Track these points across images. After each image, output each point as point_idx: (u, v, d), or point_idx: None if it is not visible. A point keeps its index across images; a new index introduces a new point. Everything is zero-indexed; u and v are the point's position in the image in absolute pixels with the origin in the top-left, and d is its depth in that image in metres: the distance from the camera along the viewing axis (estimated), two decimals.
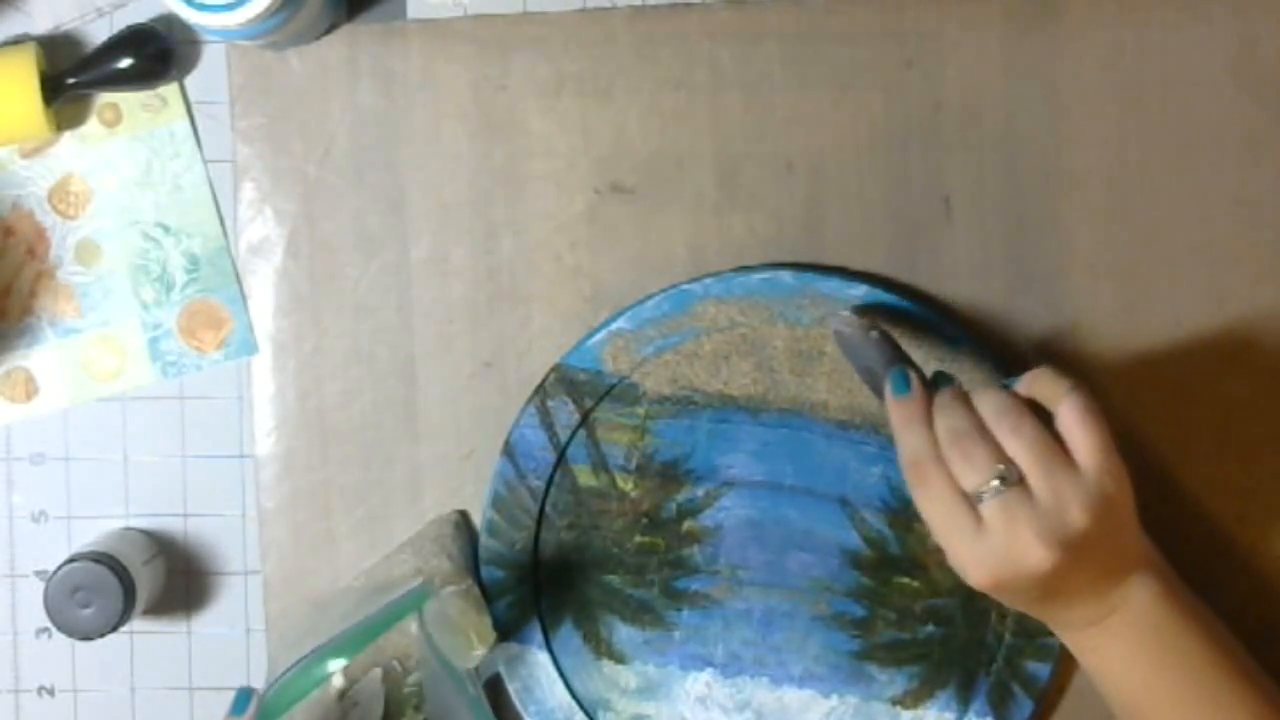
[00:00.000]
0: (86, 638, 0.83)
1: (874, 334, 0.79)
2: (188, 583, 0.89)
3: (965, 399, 0.74)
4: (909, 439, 0.73)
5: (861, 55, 0.86)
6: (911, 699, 0.87)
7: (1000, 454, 0.71)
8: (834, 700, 0.87)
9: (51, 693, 0.89)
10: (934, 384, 0.75)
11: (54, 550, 0.88)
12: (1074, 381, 0.73)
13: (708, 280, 0.85)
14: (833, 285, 0.84)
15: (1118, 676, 0.77)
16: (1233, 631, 0.81)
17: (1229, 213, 0.86)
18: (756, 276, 0.85)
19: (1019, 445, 0.72)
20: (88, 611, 0.83)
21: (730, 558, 0.87)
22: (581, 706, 0.87)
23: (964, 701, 0.87)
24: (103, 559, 0.83)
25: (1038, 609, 0.76)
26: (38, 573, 0.89)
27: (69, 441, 0.89)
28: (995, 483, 0.71)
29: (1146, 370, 0.86)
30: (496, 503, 0.87)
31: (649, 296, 0.86)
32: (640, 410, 0.86)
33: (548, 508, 0.87)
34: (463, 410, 0.88)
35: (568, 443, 0.86)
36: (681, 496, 0.87)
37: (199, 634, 0.89)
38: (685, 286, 0.85)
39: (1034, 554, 0.71)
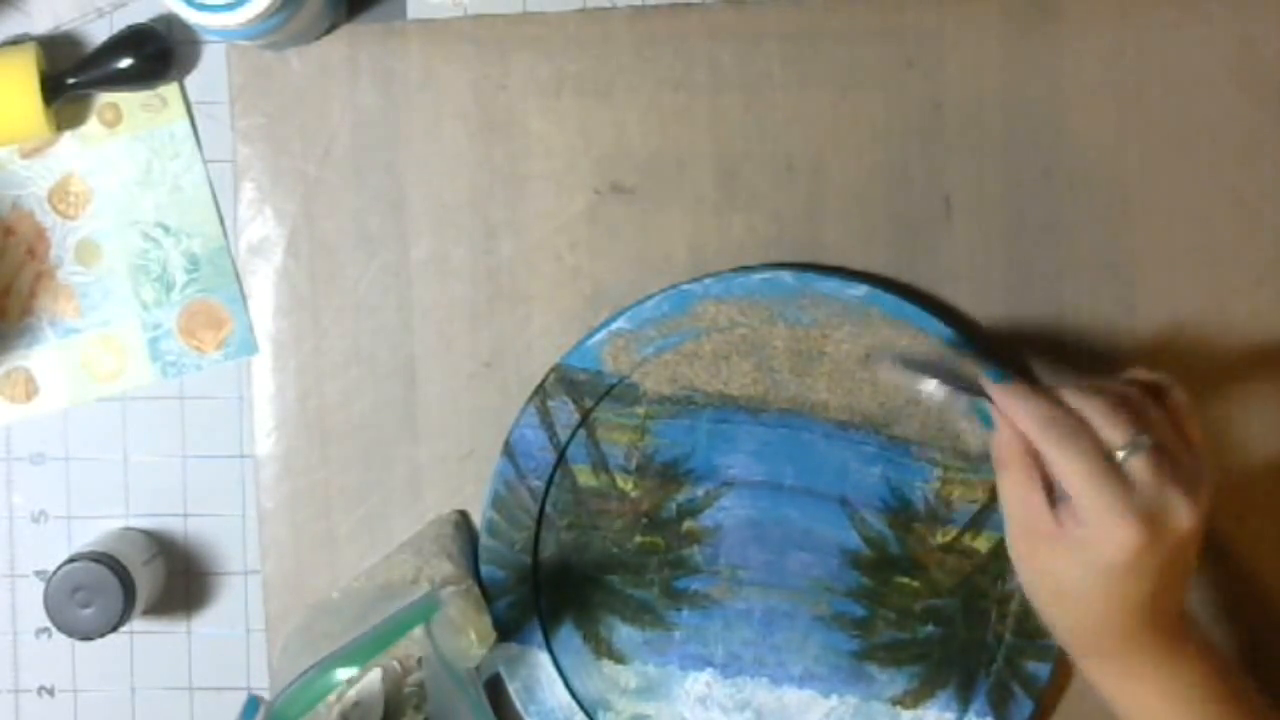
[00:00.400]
0: (86, 638, 0.83)
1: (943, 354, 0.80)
2: (188, 583, 0.89)
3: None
4: (1035, 407, 0.72)
5: (861, 55, 0.86)
6: (911, 699, 0.87)
7: (1139, 421, 0.71)
8: (834, 700, 0.87)
9: (51, 693, 0.89)
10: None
11: (54, 550, 0.88)
12: (1172, 378, 0.74)
13: (708, 280, 0.85)
14: (833, 285, 0.84)
15: (1162, 711, 0.74)
16: (1233, 632, 0.81)
17: (1229, 213, 0.86)
18: (756, 276, 0.85)
19: (1152, 417, 0.72)
20: (88, 611, 0.83)
21: (730, 558, 0.87)
22: (581, 706, 0.87)
23: (964, 701, 0.87)
24: (103, 559, 0.83)
25: (1112, 616, 0.72)
26: (38, 573, 0.89)
27: (69, 441, 0.89)
28: (1143, 438, 0.70)
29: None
30: (496, 503, 0.87)
31: (649, 296, 0.86)
32: (640, 410, 0.86)
33: (548, 508, 0.87)
34: (463, 410, 0.88)
35: (568, 443, 0.86)
36: (681, 496, 0.87)
37: (199, 634, 0.89)
38: (685, 286, 0.85)
39: (1182, 509, 0.69)
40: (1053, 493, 0.72)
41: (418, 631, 0.81)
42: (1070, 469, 0.70)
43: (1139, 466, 0.70)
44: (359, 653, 0.77)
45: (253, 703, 0.74)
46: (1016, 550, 0.74)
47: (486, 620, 0.84)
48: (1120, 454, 0.70)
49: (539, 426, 0.86)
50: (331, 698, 0.82)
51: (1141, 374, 0.75)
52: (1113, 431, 0.70)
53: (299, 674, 0.77)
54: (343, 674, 0.76)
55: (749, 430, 0.86)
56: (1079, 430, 0.70)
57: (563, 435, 0.86)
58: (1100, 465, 0.70)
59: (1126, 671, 0.74)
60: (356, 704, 0.82)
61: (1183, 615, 0.74)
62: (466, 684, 0.80)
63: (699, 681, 0.88)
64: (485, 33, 0.87)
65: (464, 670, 0.80)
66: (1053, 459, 0.71)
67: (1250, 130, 0.86)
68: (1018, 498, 0.73)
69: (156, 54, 0.86)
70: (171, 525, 0.89)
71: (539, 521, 0.87)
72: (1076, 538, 0.70)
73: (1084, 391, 0.72)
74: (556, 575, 0.87)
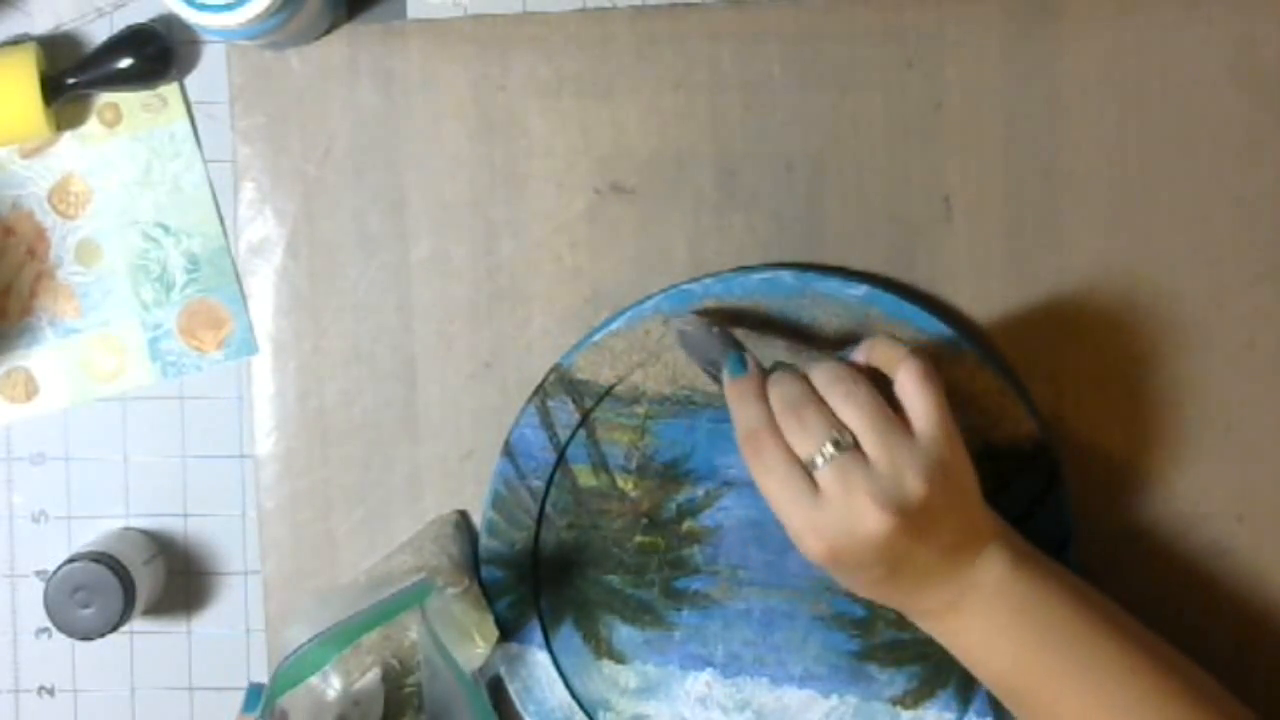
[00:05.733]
0: (86, 638, 0.83)
1: (715, 329, 0.80)
2: (188, 583, 0.89)
3: (799, 374, 0.74)
4: (743, 412, 0.74)
5: (861, 55, 0.86)
6: (911, 699, 0.87)
7: (834, 420, 0.71)
8: (834, 700, 0.87)
9: (51, 693, 0.89)
10: (773, 370, 0.77)
11: (54, 550, 0.88)
12: (911, 348, 0.74)
13: (708, 280, 0.85)
14: (833, 285, 0.84)
15: (987, 658, 0.75)
16: (1226, 631, 0.81)
17: (1229, 213, 0.86)
18: (756, 276, 0.85)
19: (852, 411, 0.71)
20: (88, 611, 0.83)
21: (730, 558, 0.87)
22: (581, 706, 0.87)
23: (964, 701, 0.87)
24: (103, 559, 0.83)
25: (888, 590, 0.74)
26: (38, 573, 0.89)
27: (69, 441, 0.89)
28: (830, 449, 0.71)
29: (1146, 370, 0.86)
30: (496, 503, 0.87)
31: (649, 296, 0.86)
32: (640, 410, 0.86)
33: (548, 508, 0.87)
34: (463, 410, 0.88)
35: (568, 443, 0.86)
36: (681, 496, 0.87)
37: (199, 634, 0.89)
38: (685, 286, 0.85)
39: (870, 519, 0.70)
40: None
41: (422, 627, 0.81)
42: (762, 484, 0.73)
43: (826, 479, 0.71)
44: (352, 631, 0.77)
45: (254, 691, 0.74)
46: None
47: (489, 620, 0.85)
48: (817, 461, 0.71)
49: (539, 426, 0.86)
50: (331, 697, 0.82)
51: (878, 347, 0.75)
52: (804, 442, 0.71)
53: (292, 651, 0.77)
54: (335, 651, 0.76)
55: None
56: (769, 442, 0.72)
57: (563, 435, 0.86)
58: (786, 479, 0.71)
59: (942, 631, 0.76)
60: (356, 703, 0.82)
61: (989, 543, 0.74)
62: (464, 673, 0.80)
63: (699, 681, 0.88)
64: (485, 33, 0.87)
65: (462, 661, 0.81)
66: (750, 470, 0.73)
67: (1250, 130, 0.86)
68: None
69: (156, 54, 0.86)
70: (171, 525, 0.89)
71: (539, 521, 0.87)
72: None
73: (789, 391, 0.73)
74: (556, 575, 0.87)
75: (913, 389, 0.72)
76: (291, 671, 0.76)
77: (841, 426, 0.71)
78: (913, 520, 0.70)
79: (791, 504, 0.71)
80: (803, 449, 0.71)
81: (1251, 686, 0.85)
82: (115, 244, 0.88)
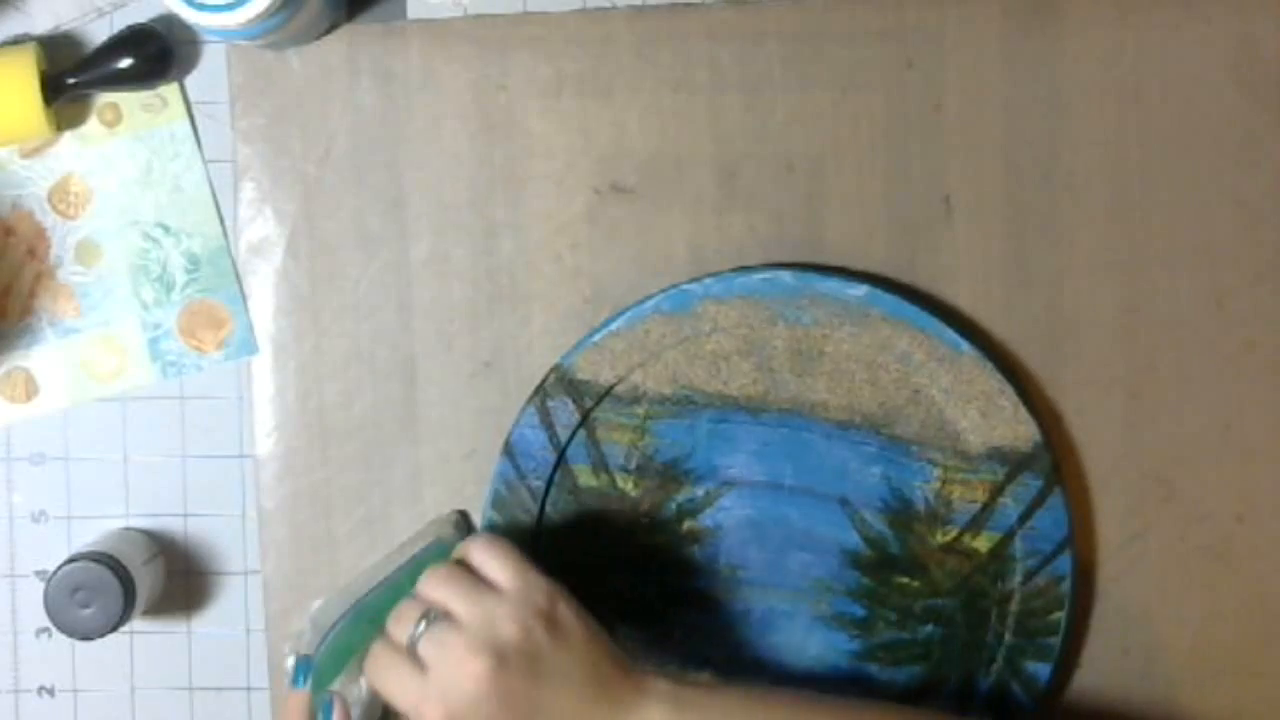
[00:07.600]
0: (86, 638, 0.83)
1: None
2: (188, 583, 0.89)
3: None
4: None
5: (861, 55, 0.86)
6: (911, 699, 0.87)
7: (426, 602, 0.74)
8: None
9: (51, 693, 0.89)
10: None
11: (54, 550, 0.88)
12: (467, 543, 0.77)
13: (708, 280, 0.85)
14: (833, 285, 0.84)
15: None
16: (1226, 631, 0.81)
17: (1229, 213, 0.86)
18: (756, 276, 0.85)
19: (438, 587, 0.74)
20: (88, 611, 0.83)
21: (730, 558, 0.87)
22: None
23: (964, 701, 0.87)
24: (103, 559, 0.83)
25: None
26: (38, 573, 0.89)
27: (69, 441, 0.89)
28: (422, 625, 0.73)
29: (1146, 370, 0.86)
30: (496, 503, 0.87)
31: (649, 296, 0.86)
32: (640, 410, 0.86)
33: (548, 508, 0.87)
34: (463, 410, 0.88)
35: (568, 443, 0.86)
36: (681, 496, 0.87)
37: (199, 634, 0.89)
38: (685, 286, 0.85)
39: (469, 666, 0.72)
40: None
41: None
42: (384, 692, 0.74)
43: (425, 650, 0.73)
44: (382, 603, 0.78)
45: (303, 664, 0.76)
46: None
47: None
48: (415, 637, 0.73)
49: (539, 426, 0.86)
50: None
51: (460, 550, 0.77)
52: (400, 629, 0.74)
53: (329, 626, 0.78)
54: (378, 615, 0.77)
55: (749, 430, 0.86)
56: (380, 649, 0.75)
57: (563, 435, 0.86)
58: (396, 670, 0.73)
59: None
60: (356, 702, 0.82)
61: (644, 700, 0.75)
62: None
63: None
64: (485, 33, 0.87)
65: None
66: (375, 686, 0.75)
67: (1250, 130, 0.86)
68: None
69: (156, 54, 0.86)
70: (171, 525, 0.89)
71: (539, 521, 0.87)
72: None
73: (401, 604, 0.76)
74: (556, 575, 0.87)
75: (483, 556, 0.76)
76: (334, 649, 0.77)
77: (430, 604, 0.74)
78: (517, 663, 0.73)
79: (405, 689, 0.73)
80: (400, 634, 0.74)
81: (1252, 687, 0.85)
82: (115, 244, 0.88)
